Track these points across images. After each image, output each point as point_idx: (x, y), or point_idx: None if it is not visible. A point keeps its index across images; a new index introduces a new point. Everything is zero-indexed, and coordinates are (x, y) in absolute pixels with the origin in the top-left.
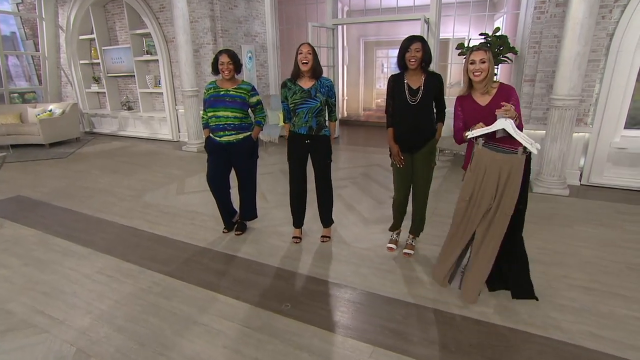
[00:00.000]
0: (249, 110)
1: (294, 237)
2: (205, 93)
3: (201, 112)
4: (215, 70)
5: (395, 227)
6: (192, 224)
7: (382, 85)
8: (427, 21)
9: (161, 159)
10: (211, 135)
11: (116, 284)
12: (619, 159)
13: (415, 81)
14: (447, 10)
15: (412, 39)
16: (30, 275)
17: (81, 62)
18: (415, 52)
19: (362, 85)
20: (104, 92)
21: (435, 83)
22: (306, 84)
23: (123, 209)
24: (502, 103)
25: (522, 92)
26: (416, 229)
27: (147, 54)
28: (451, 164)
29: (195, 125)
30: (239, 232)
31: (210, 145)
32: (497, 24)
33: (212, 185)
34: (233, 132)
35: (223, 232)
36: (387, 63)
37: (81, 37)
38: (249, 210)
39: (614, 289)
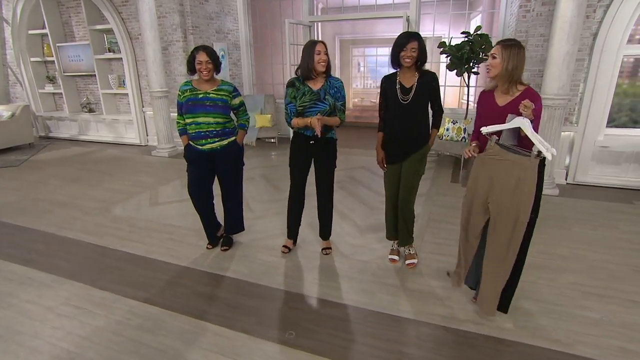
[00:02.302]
0: (231, 113)
1: (283, 246)
2: (180, 96)
3: (174, 115)
4: (192, 69)
5: (391, 235)
6: (170, 240)
7: (358, 85)
8: (408, 19)
9: (129, 166)
10: (191, 143)
11: (86, 317)
12: (602, 158)
13: (408, 80)
14: (425, 8)
15: (408, 37)
16: None
17: (32, 59)
18: (411, 51)
19: None
20: (61, 93)
21: (429, 82)
22: (316, 85)
23: (89, 225)
24: (524, 101)
25: None
26: (402, 240)
27: (110, 51)
28: (436, 164)
29: (165, 128)
30: (225, 248)
31: (191, 154)
32: (474, 22)
33: (195, 198)
34: (216, 139)
35: (207, 247)
36: (364, 62)
37: (31, 32)
38: (236, 222)
39: (628, 295)
